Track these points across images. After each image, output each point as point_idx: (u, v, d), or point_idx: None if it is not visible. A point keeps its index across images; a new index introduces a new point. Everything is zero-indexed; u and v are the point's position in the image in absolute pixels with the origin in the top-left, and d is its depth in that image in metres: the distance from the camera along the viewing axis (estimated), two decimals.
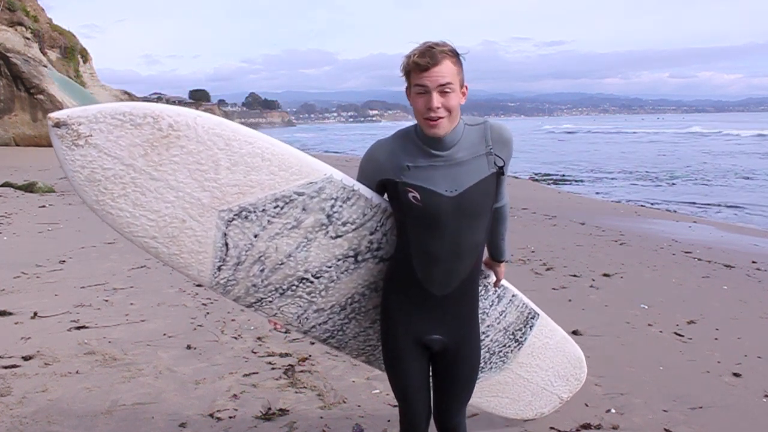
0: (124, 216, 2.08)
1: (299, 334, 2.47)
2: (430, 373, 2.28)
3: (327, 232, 2.21)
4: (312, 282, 2.27)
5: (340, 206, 2.19)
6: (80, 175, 2.02)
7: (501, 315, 2.69)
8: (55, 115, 1.96)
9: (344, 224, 2.21)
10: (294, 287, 2.27)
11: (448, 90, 1.93)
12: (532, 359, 2.88)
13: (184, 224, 2.12)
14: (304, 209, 2.16)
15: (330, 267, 2.26)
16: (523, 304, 2.75)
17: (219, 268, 2.20)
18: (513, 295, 2.70)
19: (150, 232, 2.11)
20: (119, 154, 2.00)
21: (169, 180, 2.06)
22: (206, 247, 2.16)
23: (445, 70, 1.92)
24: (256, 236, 2.16)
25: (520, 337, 2.79)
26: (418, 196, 2.01)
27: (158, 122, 2.01)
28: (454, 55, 1.96)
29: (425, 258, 2.07)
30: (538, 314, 2.81)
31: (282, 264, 2.21)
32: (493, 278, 2.57)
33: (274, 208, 2.14)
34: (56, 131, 1.96)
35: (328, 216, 2.19)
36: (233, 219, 2.13)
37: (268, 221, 2.15)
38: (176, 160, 2.05)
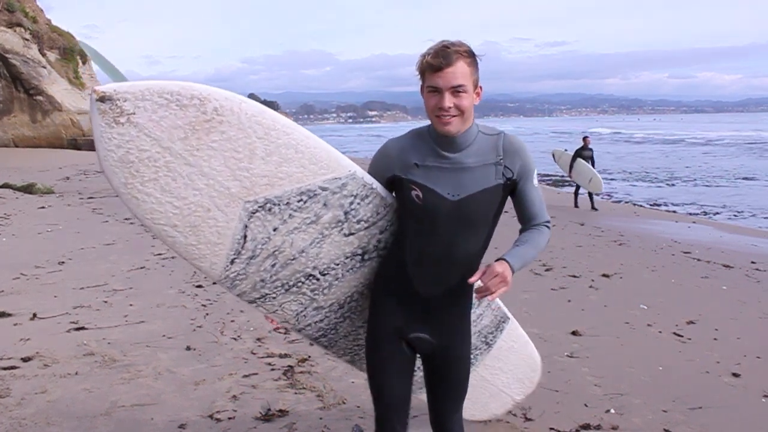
0: (149, 202, 1.98)
1: (296, 334, 2.43)
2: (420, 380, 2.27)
3: (341, 229, 2.17)
4: (318, 279, 2.24)
5: (358, 204, 2.15)
6: (114, 155, 1.90)
7: (478, 318, 2.68)
8: (100, 88, 1.84)
9: (358, 222, 2.18)
10: (300, 284, 2.23)
11: (460, 91, 1.91)
12: (497, 362, 2.89)
13: (209, 213, 2.04)
14: (325, 204, 2.12)
15: (338, 264, 2.24)
16: (498, 307, 2.75)
17: (232, 261, 2.13)
18: None
19: (172, 220, 2.03)
20: (159, 135, 1.91)
21: (203, 166, 1.98)
22: (225, 238, 2.08)
23: (458, 71, 1.89)
24: (275, 230, 2.10)
25: (491, 340, 2.79)
26: (420, 195, 2.00)
27: (204, 105, 1.93)
28: (470, 55, 1.93)
29: (418, 257, 2.07)
30: (509, 318, 2.82)
31: (294, 259, 2.17)
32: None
33: (298, 201, 2.09)
34: (99, 105, 1.84)
35: (346, 213, 2.15)
36: (257, 211, 2.06)
37: (290, 215, 2.10)
38: (214, 146, 1.97)
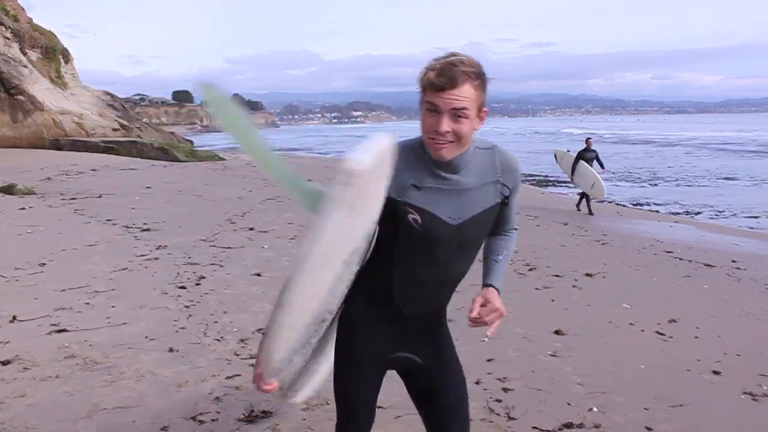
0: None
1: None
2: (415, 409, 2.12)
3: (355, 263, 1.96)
4: (325, 321, 1.99)
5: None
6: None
7: None
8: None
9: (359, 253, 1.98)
10: (315, 333, 1.99)
11: (461, 116, 1.72)
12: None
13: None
14: (356, 247, 1.88)
15: (340, 299, 2.01)
16: None
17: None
18: None
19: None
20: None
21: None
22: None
23: (462, 94, 1.71)
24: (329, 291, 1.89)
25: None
26: (419, 220, 1.83)
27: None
28: (478, 77, 1.74)
29: (409, 283, 1.94)
30: None
31: (323, 321, 1.97)
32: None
33: (349, 254, 1.86)
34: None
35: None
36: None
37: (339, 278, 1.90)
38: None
